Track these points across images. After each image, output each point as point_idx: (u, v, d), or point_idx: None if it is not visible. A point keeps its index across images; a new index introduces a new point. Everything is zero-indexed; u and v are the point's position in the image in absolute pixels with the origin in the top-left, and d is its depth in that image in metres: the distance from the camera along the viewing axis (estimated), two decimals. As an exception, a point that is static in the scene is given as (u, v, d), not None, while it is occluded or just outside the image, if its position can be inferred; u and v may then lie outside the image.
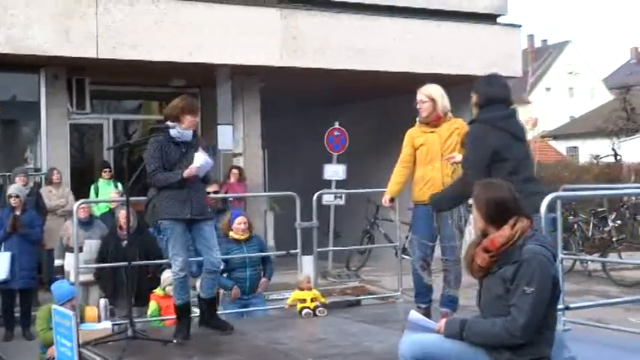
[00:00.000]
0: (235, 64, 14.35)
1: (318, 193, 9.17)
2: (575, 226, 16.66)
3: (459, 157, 6.60)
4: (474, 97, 6.20)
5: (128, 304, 7.40)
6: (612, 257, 14.49)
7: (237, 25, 14.09)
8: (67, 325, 7.01)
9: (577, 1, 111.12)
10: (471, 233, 5.69)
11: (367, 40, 15.10)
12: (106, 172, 13.70)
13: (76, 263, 8.10)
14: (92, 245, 10.26)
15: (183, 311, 7.09)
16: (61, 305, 7.71)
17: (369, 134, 18.02)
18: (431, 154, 6.97)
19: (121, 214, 10.12)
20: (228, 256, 8.83)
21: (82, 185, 13.75)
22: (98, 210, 12.68)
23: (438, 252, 7.14)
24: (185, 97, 7.17)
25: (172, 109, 6.98)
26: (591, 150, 30.51)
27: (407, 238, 11.02)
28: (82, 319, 7.75)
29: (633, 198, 17.72)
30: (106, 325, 7.44)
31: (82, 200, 9.98)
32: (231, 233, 9.13)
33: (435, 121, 7.00)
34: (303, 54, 14.64)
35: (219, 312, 8.57)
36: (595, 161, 25.68)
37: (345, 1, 15.15)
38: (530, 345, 4.23)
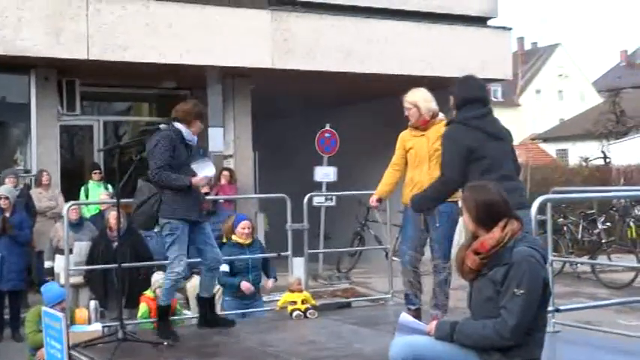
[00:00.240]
0: (226, 66, 14.34)
1: (309, 195, 9.18)
2: (565, 228, 16.72)
3: None
4: (451, 99, 6.30)
5: (119, 305, 7.40)
6: (601, 260, 14.56)
7: (228, 27, 14.09)
8: (57, 327, 7.00)
9: (567, 4, 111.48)
10: (461, 234, 5.68)
11: (358, 43, 15.12)
12: (96, 173, 13.69)
13: (67, 265, 8.08)
14: (82, 247, 10.26)
15: (167, 312, 7.18)
16: (51, 307, 7.69)
17: (359, 136, 18.04)
18: (419, 158, 7.07)
19: (112, 216, 10.12)
20: (233, 257, 8.81)
21: (72, 187, 13.72)
22: (88, 212, 12.66)
23: (428, 254, 7.17)
24: (198, 104, 7.36)
25: (186, 113, 7.08)
26: (581, 152, 30.61)
27: (397, 239, 11.04)
28: (72, 321, 7.73)
29: (622, 201, 17.78)
30: (97, 327, 7.44)
31: (72, 202, 9.97)
32: (234, 237, 9.08)
33: (423, 125, 7.09)
34: (293, 56, 14.65)
35: (221, 313, 8.67)
36: (585, 164, 25.77)
37: (337, 4, 15.15)
38: (520, 347, 4.25)
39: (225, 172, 14.29)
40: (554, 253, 8.36)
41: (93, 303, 8.39)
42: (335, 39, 14.95)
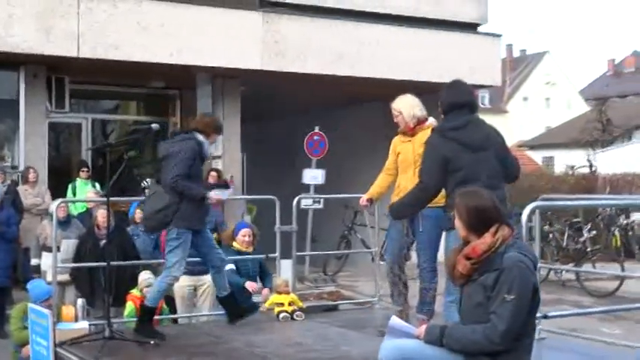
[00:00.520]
0: (216, 66, 14.34)
1: (298, 197, 9.20)
2: (551, 235, 16.81)
3: None
4: (439, 106, 6.29)
5: (106, 304, 7.39)
6: (586, 268, 14.63)
7: (218, 28, 14.08)
8: (43, 324, 7.00)
9: (556, 13, 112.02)
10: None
11: (348, 46, 15.15)
12: (83, 171, 13.64)
13: (54, 263, 8.06)
14: (70, 245, 10.22)
15: (152, 314, 7.30)
16: (37, 305, 7.68)
17: (348, 139, 18.07)
18: (405, 163, 7.17)
19: (100, 214, 10.09)
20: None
21: (59, 184, 13.69)
22: (75, 209, 12.62)
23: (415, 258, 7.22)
24: (218, 119, 7.77)
25: (207, 125, 7.36)
26: (567, 160, 30.76)
27: (385, 243, 11.08)
28: (58, 319, 7.71)
29: (608, 209, 17.90)
30: (83, 324, 7.42)
31: (61, 199, 9.96)
32: (235, 244, 9.06)
33: (409, 132, 7.20)
34: (284, 58, 14.65)
35: (212, 313, 8.70)
36: (571, 172, 25.90)
37: (328, 7, 15.18)
38: (509, 352, 4.27)
39: (213, 173, 14.24)
40: (540, 260, 8.41)
41: (80, 301, 8.36)
42: (325, 42, 14.97)
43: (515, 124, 58.38)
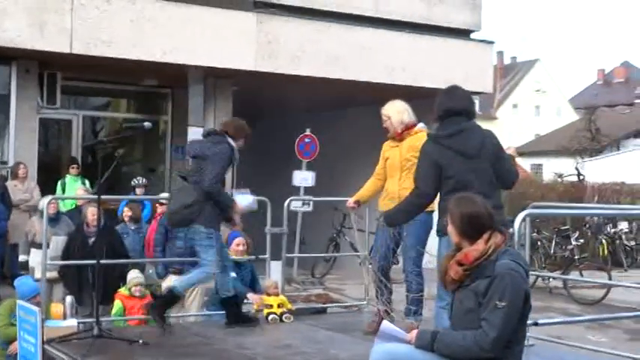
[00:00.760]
0: (209, 66, 14.32)
1: (288, 199, 9.19)
2: (539, 243, 16.86)
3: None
4: (435, 112, 6.23)
5: (95, 302, 7.37)
6: (574, 276, 14.68)
7: (212, 28, 14.07)
8: (32, 321, 6.98)
9: (547, 21, 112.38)
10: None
11: (342, 49, 15.15)
12: (73, 168, 13.62)
13: (44, 260, 8.03)
14: (59, 242, 10.16)
15: (173, 301, 7.65)
16: (26, 301, 7.65)
17: (339, 142, 18.08)
18: (392, 168, 7.27)
19: (90, 212, 10.05)
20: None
21: (49, 180, 13.64)
22: (64, 206, 12.57)
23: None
24: (247, 125, 7.86)
25: (238, 129, 7.67)
26: (555, 168, 30.85)
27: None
28: (47, 316, 7.68)
29: (595, 218, 17.97)
30: (72, 322, 7.39)
31: (51, 196, 9.92)
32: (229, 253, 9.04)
33: (397, 137, 7.29)
34: (277, 59, 14.65)
35: (203, 313, 8.71)
36: (560, 180, 26.00)
37: (322, 10, 15.18)
38: (499, 359, 4.28)
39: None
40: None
41: (69, 298, 8.31)
42: (319, 44, 14.98)
43: (504, 131, 58.34)
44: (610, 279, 14.35)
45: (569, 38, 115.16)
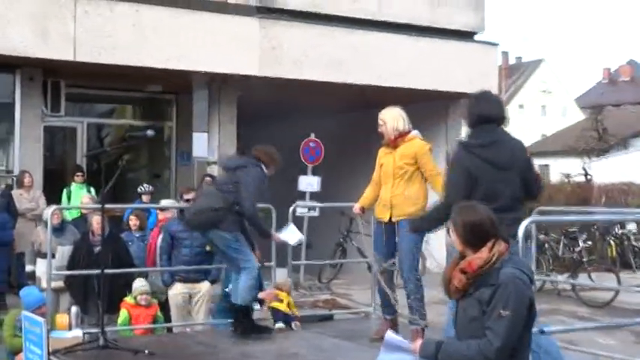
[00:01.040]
0: (213, 72, 14.32)
1: (293, 205, 9.17)
2: (546, 245, 16.78)
3: None
4: (464, 116, 6.18)
5: (101, 312, 7.35)
6: (582, 277, 14.60)
7: (216, 34, 14.07)
8: (37, 332, 6.95)
9: (552, 21, 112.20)
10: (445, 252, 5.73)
11: (345, 53, 15.14)
12: (78, 176, 13.59)
13: (49, 270, 8.02)
14: (65, 251, 10.12)
15: (249, 311, 7.86)
16: (30, 312, 7.63)
17: (345, 146, 18.04)
18: (386, 175, 7.36)
19: (95, 220, 10.01)
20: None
21: (54, 188, 13.64)
22: (70, 215, 12.55)
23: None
24: (277, 153, 8.17)
25: (270, 157, 8.01)
26: (562, 168, 30.75)
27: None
28: (52, 327, 7.66)
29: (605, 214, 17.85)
30: (77, 333, 7.38)
31: (55, 206, 9.89)
32: None
33: (391, 143, 7.36)
34: (281, 64, 14.64)
35: (209, 322, 8.70)
36: (567, 180, 25.91)
37: (325, 14, 15.16)
38: (504, 368, 4.24)
39: (208, 179, 14.20)
40: (536, 270, 8.39)
41: (74, 309, 8.31)
42: (322, 48, 14.96)
43: (510, 132, 58.30)
44: (618, 281, 14.26)
45: (574, 37, 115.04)
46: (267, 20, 14.57)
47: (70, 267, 10.00)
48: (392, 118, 7.37)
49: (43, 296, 8.10)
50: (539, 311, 4.54)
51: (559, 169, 31.90)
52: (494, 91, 17.53)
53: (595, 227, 18.33)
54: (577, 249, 16.33)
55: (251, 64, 14.38)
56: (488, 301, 4.24)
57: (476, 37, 17.24)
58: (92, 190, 13.28)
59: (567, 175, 26.88)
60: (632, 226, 19.71)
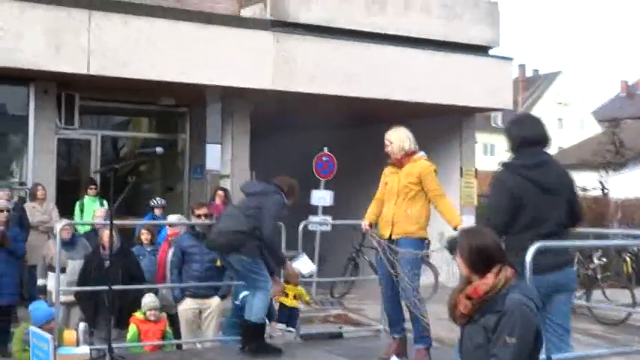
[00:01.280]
0: (226, 85, 14.32)
1: (303, 223, 9.16)
2: (560, 261, 16.60)
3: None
4: (507, 142, 6.00)
5: (108, 329, 7.33)
6: (596, 294, 14.46)
7: (229, 47, 14.08)
8: (44, 348, 6.95)
9: (569, 33, 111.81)
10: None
11: (359, 67, 15.11)
12: (91, 188, 13.59)
13: (57, 285, 8.00)
14: (76, 266, 10.12)
15: (263, 329, 7.94)
16: (39, 327, 7.63)
17: (357, 160, 18.00)
18: (390, 193, 7.46)
19: (105, 234, 10.00)
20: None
21: (67, 201, 13.66)
22: (82, 228, 12.56)
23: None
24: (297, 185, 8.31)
25: (293, 190, 8.14)
26: (578, 182, 30.40)
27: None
28: (59, 343, 7.65)
29: (620, 235, 17.70)
30: (84, 349, 7.37)
31: (65, 221, 9.91)
32: None
33: (397, 162, 7.48)
34: (294, 78, 14.63)
35: (219, 338, 8.69)
36: (582, 194, 25.70)
37: (339, 27, 15.15)
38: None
39: (220, 192, 14.22)
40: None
41: (82, 325, 8.31)
42: (336, 62, 14.94)
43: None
44: (633, 298, 14.11)
45: (592, 49, 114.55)
46: (281, 34, 14.57)
47: (80, 281, 10.00)
48: (398, 138, 7.47)
49: (52, 311, 8.10)
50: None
51: (576, 183, 31.66)
52: (509, 105, 17.53)
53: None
54: (592, 266, 16.19)
55: (264, 78, 14.38)
56: (493, 328, 4.18)
57: (491, 52, 17.19)
58: (105, 202, 13.28)
59: (584, 189, 26.68)
60: (649, 242, 19.49)
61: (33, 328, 7.51)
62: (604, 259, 16.68)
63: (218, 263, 9.26)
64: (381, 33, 15.54)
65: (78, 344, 7.81)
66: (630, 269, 17.94)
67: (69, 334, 8.14)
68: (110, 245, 7.74)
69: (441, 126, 17.01)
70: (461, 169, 17.33)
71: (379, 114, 16.14)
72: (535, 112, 65.70)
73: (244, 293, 8.34)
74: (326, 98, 15.12)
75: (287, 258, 8.29)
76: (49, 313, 8.03)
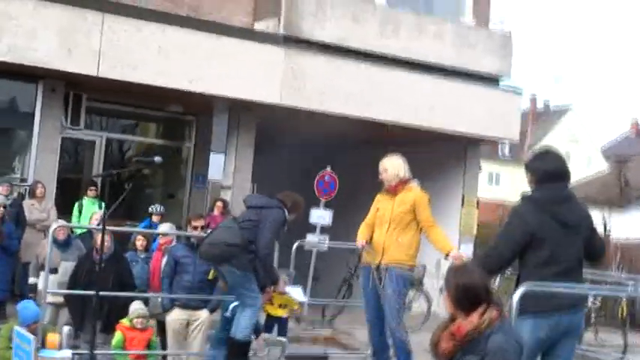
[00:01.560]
0: (234, 97, 14.31)
1: (297, 243, 9.15)
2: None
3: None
4: (528, 175, 5.89)
5: (92, 334, 7.29)
6: (589, 336, 14.34)
7: (240, 59, 14.07)
8: (26, 349, 6.91)
9: (582, 67, 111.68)
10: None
11: (368, 89, 15.11)
12: (91, 190, 13.57)
13: (45, 285, 7.98)
14: (68, 267, 10.09)
15: (248, 347, 8.01)
16: (25, 327, 7.60)
17: (359, 181, 17.90)
18: (382, 219, 7.58)
19: (99, 238, 9.98)
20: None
21: (67, 200, 13.65)
22: (78, 228, 12.54)
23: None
24: (303, 201, 8.33)
25: (296, 205, 8.16)
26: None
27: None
28: (43, 344, 7.60)
29: (616, 277, 17.60)
30: (66, 353, 7.32)
31: (59, 223, 9.88)
32: None
33: (391, 190, 7.60)
34: (303, 95, 14.61)
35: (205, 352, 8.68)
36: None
37: (350, 48, 15.13)
38: None
39: (219, 203, 14.21)
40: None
41: (66, 328, 8.25)
42: (345, 82, 14.93)
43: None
44: (625, 343, 14.02)
45: (604, 85, 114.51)
46: (292, 50, 14.56)
47: (71, 283, 9.97)
48: (393, 166, 7.61)
49: (38, 312, 8.05)
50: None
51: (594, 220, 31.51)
52: (516, 136, 17.50)
53: (606, 284, 18.01)
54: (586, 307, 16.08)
55: (273, 93, 14.37)
56: (475, 369, 4.14)
57: (501, 82, 17.17)
58: (104, 205, 13.25)
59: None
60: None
61: (17, 328, 7.47)
62: (598, 303, 16.57)
63: (210, 276, 9.21)
64: (392, 56, 15.53)
65: (61, 347, 7.76)
66: (625, 313, 17.80)
67: (52, 337, 8.09)
68: (101, 249, 7.69)
69: (446, 153, 16.97)
70: (463, 197, 17.26)
71: (384, 136, 16.12)
72: (544, 145, 65.58)
73: (235, 303, 8.31)
74: (332, 117, 15.09)
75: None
76: (35, 314, 7.99)
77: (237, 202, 14.89)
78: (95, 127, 15.66)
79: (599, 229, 24.31)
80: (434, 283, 15.11)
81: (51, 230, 8.27)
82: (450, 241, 7.76)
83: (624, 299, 17.84)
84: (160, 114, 16.09)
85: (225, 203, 14.28)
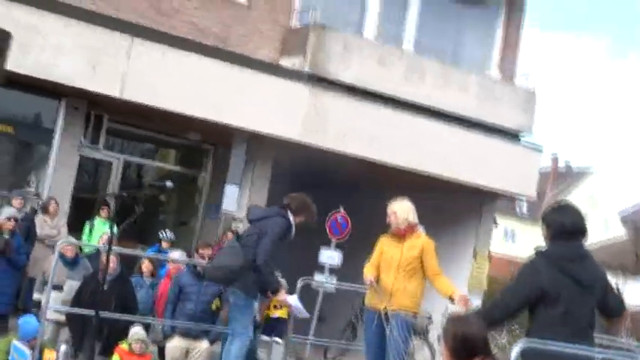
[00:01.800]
0: (254, 130, 14.34)
1: (301, 281, 9.09)
2: None
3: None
4: (543, 229, 5.74)
5: (90, 354, 7.25)
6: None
7: (263, 93, 14.12)
8: (22, 364, 6.88)
9: (604, 132, 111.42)
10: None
11: (388, 133, 15.10)
12: (103, 209, 13.55)
13: (46, 303, 7.95)
14: (73, 286, 10.06)
15: None
16: (25, 342, 7.58)
17: (371, 224, 17.82)
18: (388, 263, 7.48)
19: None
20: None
21: (80, 218, 13.65)
22: (87, 248, 12.52)
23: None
24: (312, 203, 8.27)
25: (302, 206, 8.09)
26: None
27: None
28: (39, 360, 7.57)
29: (625, 343, 17.36)
30: (60, 372, 7.26)
31: (64, 240, 9.91)
32: None
33: (400, 235, 7.52)
34: (323, 134, 14.64)
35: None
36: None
37: (375, 91, 15.16)
38: None
39: (230, 234, 14.16)
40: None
41: (63, 347, 8.21)
42: (367, 125, 14.95)
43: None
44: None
45: (625, 150, 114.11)
46: (316, 89, 14.60)
47: (74, 302, 9.93)
48: (402, 210, 7.56)
49: (37, 328, 8.02)
50: None
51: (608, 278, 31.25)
52: (533, 194, 17.40)
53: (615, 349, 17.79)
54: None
55: (293, 129, 14.40)
56: None
57: (523, 138, 17.13)
58: (113, 226, 13.23)
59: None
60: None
61: (16, 342, 7.45)
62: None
63: (214, 306, 9.19)
64: (416, 103, 15.54)
65: (56, 366, 7.71)
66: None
67: (49, 354, 8.06)
68: (105, 271, 7.66)
69: (461, 204, 16.87)
70: (475, 251, 17.13)
71: (401, 181, 16.07)
72: (562, 205, 65.17)
73: None
74: (351, 158, 15.08)
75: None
76: (35, 330, 7.96)
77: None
78: (114, 148, 15.69)
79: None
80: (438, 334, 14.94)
81: (58, 247, 8.24)
82: (453, 286, 7.63)
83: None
84: (179, 141, 16.13)
85: (235, 234, 14.23)
